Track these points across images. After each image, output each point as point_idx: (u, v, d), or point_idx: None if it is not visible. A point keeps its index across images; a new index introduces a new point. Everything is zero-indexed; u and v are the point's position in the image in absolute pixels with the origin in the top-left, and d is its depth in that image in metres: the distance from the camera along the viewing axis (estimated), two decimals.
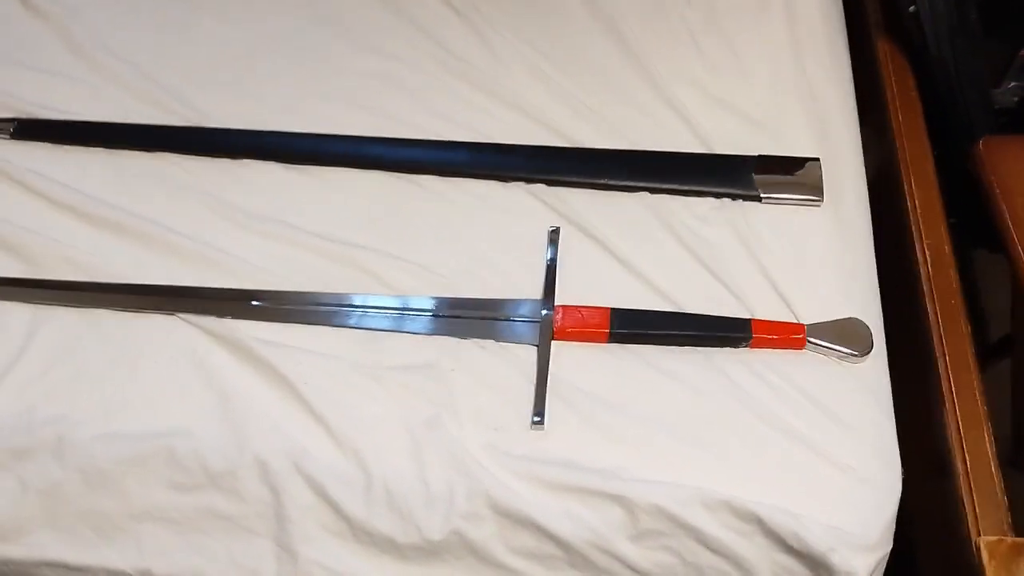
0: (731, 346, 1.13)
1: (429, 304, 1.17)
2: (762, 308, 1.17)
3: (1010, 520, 1.03)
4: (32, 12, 1.53)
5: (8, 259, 1.23)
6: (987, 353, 1.64)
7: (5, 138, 1.35)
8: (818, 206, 1.27)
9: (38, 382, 1.12)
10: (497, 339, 1.15)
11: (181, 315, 1.16)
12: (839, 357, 1.12)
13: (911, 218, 1.31)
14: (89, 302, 1.18)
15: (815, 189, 1.27)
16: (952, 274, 1.24)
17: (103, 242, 1.24)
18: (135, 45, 1.49)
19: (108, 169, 1.32)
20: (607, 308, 1.15)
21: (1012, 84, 1.62)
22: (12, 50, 1.48)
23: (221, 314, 1.16)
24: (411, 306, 1.17)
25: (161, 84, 1.43)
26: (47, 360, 1.14)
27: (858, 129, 1.39)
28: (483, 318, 1.16)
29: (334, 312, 1.17)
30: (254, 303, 1.17)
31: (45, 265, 1.22)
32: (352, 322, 1.16)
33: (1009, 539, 0.98)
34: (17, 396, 1.11)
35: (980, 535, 1.00)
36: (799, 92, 1.41)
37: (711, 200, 1.28)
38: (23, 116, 1.38)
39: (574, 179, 1.30)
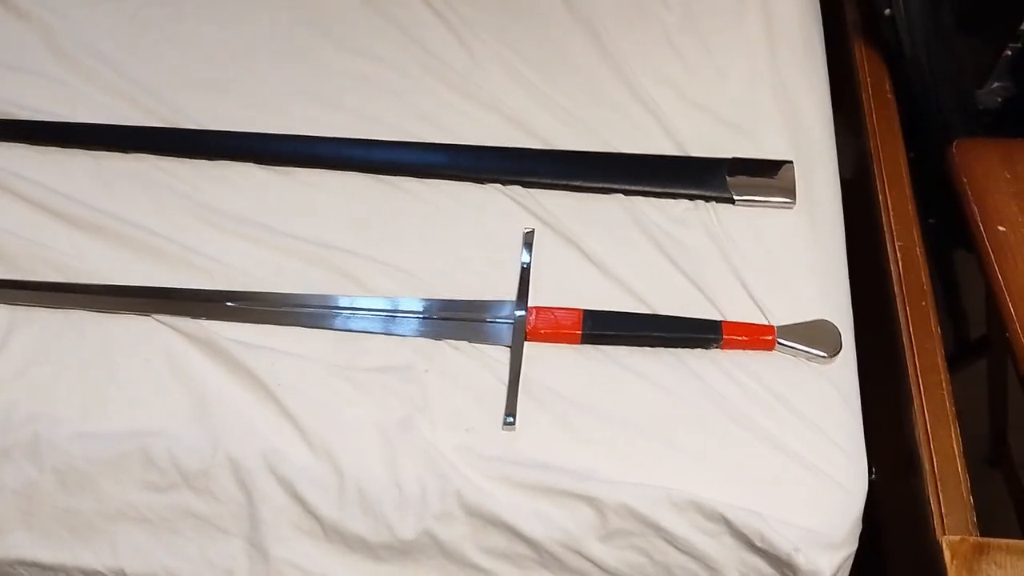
0: (702, 347, 1.14)
1: (403, 305, 1.18)
2: (734, 309, 1.17)
3: (975, 519, 1.04)
4: (14, 13, 1.53)
5: None
6: (966, 352, 1.66)
7: None
8: (791, 208, 1.28)
9: (15, 383, 1.12)
10: (471, 340, 1.16)
11: (157, 316, 1.17)
12: (808, 358, 1.13)
13: (883, 220, 1.32)
14: (66, 303, 1.18)
15: (788, 191, 1.28)
16: (923, 276, 1.25)
17: (81, 243, 1.24)
18: (118, 46, 1.49)
19: (86, 170, 1.32)
20: (580, 309, 1.16)
21: (996, 85, 1.63)
22: None
23: (197, 315, 1.17)
24: (385, 307, 1.18)
25: (145, 85, 1.43)
26: (24, 361, 1.14)
27: (833, 131, 1.40)
28: (457, 319, 1.17)
29: (309, 313, 1.17)
30: (229, 304, 1.18)
31: (22, 266, 1.22)
32: (326, 323, 1.16)
33: (971, 538, 0.99)
34: None
35: (945, 534, 1.01)
36: (774, 93, 1.41)
37: (685, 202, 1.29)
38: (2, 117, 1.38)
39: (549, 181, 1.30)
